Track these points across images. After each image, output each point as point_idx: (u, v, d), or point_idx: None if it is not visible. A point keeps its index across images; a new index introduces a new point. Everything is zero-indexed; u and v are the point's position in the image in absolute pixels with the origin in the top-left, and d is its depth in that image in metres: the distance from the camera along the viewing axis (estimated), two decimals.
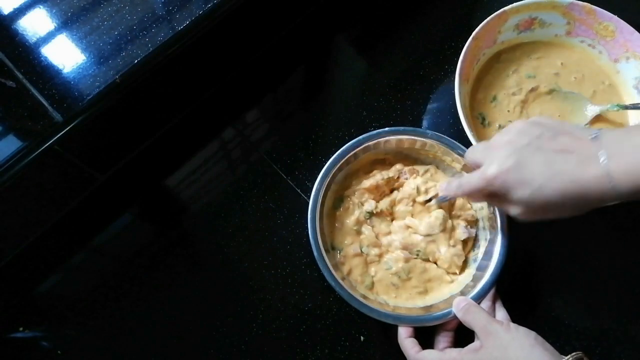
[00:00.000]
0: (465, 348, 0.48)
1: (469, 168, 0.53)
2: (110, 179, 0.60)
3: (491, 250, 0.53)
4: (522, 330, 0.46)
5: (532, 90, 0.63)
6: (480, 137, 0.60)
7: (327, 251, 0.53)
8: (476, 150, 0.48)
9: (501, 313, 0.51)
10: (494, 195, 0.45)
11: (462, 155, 0.56)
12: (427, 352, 0.49)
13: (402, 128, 0.57)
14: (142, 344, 0.55)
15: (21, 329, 0.55)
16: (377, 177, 0.57)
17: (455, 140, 0.57)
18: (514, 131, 0.44)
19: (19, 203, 0.53)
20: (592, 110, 0.62)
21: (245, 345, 0.54)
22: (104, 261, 0.59)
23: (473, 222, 0.57)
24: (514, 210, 0.44)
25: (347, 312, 0.55)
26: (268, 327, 0.55)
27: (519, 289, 0.57)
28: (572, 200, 0.40)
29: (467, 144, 0.57)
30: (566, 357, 0.44)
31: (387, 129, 0.57)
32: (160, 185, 0.62)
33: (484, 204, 0.56)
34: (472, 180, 0.46)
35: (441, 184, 0.53)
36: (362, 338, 0.55)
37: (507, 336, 0.45)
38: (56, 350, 0.54)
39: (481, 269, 0.53)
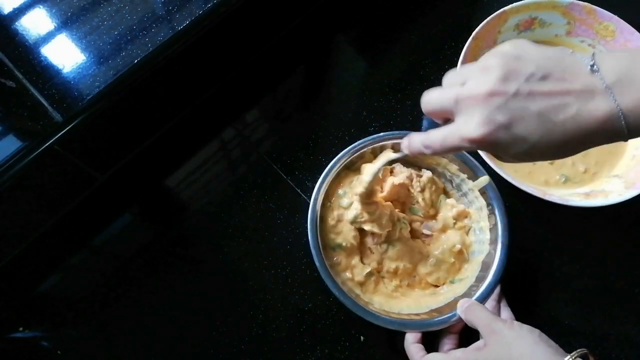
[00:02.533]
0: (469, 347, 0.48)
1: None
2: (110, 179, 0.60)
3: (493, 251, 0.53)
4: (526, 328, 0.46)
5: None
6: None
7: (324, 251, 0.53)
8: (443, 97, 0.37)
9: (506, 312, 0.51)
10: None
11: (458, 158, 0.56)
12: (432, 355, 0.49)
13: (403, 132, 0.56)
14: (142, 344, 0.55)
15: (21, 329, 0.55)
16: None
17: None
18: (497, 73, 0.34)
19: (19, 203, 0.53)
20: None
21: (245, 345, 0.54)
22: (104, 261, 0.59)
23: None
24: (504, 159, 0.38)
25: (347, 312, 0.55)
26: (268, 327, 0.55)
27: (520, 289, 0.57)
28: (575, 146, 0.35)
29: None
30: (570, 354, 0.44)
31: (391, 132, 0.57)
32: (160, 185, 0.62)
33: (483, 207, 0.56)
34: (449, 140, 0.37)
35: (402, 141, 0.43)
36: (362, 338, 0.55)
37: (511, 334, 0.45)
38: (56, 351, 0.54)
39: (484, 269, 0.53)
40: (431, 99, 0.39)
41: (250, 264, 0.58)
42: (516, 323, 0.46)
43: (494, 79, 0.34)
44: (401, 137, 0.55)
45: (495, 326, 0.46)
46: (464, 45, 0.60)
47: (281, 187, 0.60)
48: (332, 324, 0.55)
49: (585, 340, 0.56)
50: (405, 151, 0.43)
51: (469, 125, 0.35)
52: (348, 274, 0.54)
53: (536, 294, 0.58)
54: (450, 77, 0.39)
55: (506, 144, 0.35)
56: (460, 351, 0.48)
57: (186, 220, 0.61)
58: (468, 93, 0.35)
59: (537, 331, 0.45)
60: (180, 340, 0.55)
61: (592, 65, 0.33)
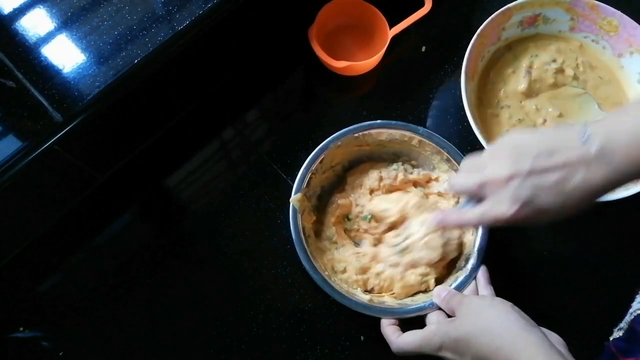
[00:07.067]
0: (443, 320, 0.48)
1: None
2: (110, 179, 0.60)
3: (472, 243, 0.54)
4: (498, 300, 0.46)
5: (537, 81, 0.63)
6: (487, 134, 0.60)
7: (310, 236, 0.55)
8: (469, 182, 0.45)
9: (486, 290, 0.51)
10: None
11: (449, 154, 0.56)
12: (407, 333, 0.48)
13: (393, 122, 0.57)
14: (142, 343, 0.55)
15: (21, 329, 0.55)
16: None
17: (457, 139, 0.57)
18: (508, 159, 0.41)
19: (19, 203, 0.53)
20: (597, 115, 0.62)
21: (245, 345, 0.54)
22: (104, 261, 0.59)
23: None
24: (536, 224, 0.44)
25: (347, 312, 0.55)
26: (268, 327, 0.55)
27: (518, 289, 0.57)
28: (590, 203, 0.41)
29: (469, 142, 0.57)
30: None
31: (378, 121, 0.57)
32: (160, 185, 0.62)
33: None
34: (484, 220, 0.44)
35: (434, 214, 0.51)
36: (362, 338, 0.55)
37: (482, 303, 0.46)
38: (56, 350, 0.54)
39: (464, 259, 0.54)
40: (457, 185, 0.47)
41: (250, 264, 0.58)
42: (490, 297, 0.47)
43: (509, 163, 0.41)
44: (391, 127, 0.57)
45: (466, 299, 0.47)
46: (464, 45, 0.60)
47: (281, 187, 0.60)
48: (332, 324, 0.55)
49: (584, 340, 0.56)
50: (438, 225, 0.50)
51: (500, 208, 0.42)
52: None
53: (534, 294, 0.58)
54: (467, 165, 0.47)
55: (533, 218, 0.41)
56: (435, 324, 0.48)
57: (186, 220, 0.61)
58: (490, 178, 0.42)
59: (509, 303, 0.45)
60: (180, 340, 0.55)
61: (586, 139, 0.39)
